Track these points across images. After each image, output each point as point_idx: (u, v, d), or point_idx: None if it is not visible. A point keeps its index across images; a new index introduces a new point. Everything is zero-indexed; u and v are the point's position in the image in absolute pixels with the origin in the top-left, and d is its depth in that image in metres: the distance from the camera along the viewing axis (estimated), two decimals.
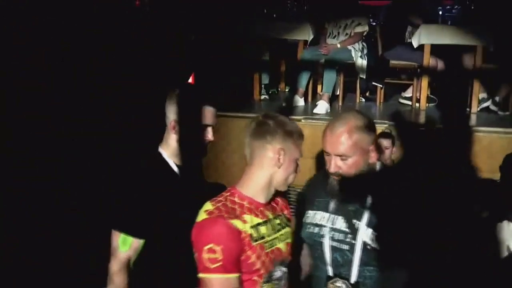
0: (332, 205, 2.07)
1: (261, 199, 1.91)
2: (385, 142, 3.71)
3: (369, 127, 2.02)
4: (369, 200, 2.00)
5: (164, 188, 2.10)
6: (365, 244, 1.95)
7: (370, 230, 1.95)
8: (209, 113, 2.15)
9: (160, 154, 2.18)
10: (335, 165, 1.98)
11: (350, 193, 2.01)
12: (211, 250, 1.73)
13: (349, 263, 1.97)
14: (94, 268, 2.27)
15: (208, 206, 1.84)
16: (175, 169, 2.17)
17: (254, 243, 1.82)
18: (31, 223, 3.28)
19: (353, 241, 1.97)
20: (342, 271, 2.00)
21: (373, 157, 2.03)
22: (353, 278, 1.97)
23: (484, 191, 2.99)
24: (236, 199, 1.86)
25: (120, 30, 4.17)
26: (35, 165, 3.36)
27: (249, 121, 1.90)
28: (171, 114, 2.13)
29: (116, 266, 2.07)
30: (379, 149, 2.07)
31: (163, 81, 4.04)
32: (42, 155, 3.42)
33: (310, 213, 2.13)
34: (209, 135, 2.17)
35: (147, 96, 3.69)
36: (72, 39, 3.75)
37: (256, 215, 1.87)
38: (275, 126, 1.84)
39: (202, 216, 1.81)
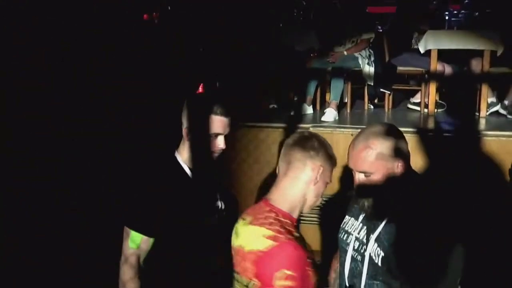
0: (362, 214, 2.04)
1: (295, 215, 1.88)
2: None
3: (398, 145, 1.90)
4: (387, 214, 1.93)
5: (176, 190, 2.16)
6: (370, 258, 1.92)
7: (375, 245, 1.92)
8: (219, 122, 2.18)
9: (175, 158, 2.25)
10: (359, 181, 1.92)
11: (373, 206, 1.94)
12: (289, 277, 1.67)
13: (360, 274, 1.95)
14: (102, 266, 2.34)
15: (263, 231, 1.77)
16: (189, 173, 2.23)
17: (312, 263, 1.80)
18: (36, 223, 3.30)
19: (364, 253, 1.94)
20: (355, 281, 1.98)
21: (400, 169, 1.91)
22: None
23: (495, 195, 2.98)
24: (281, 218, 1.82)
25: (130, 42, 4.20)
26: (39, 165, 3.38)
27: (293, 134, 1.96)
28: (185, 121, 2.21)
29: (127, 275, 2.11)
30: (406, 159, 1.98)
31: (178, 90, 4.08)
32: (49, 155, 3.44)
33: (346, 218, 2.12)
34: (221, 144, 2.20)
35: (167, 103, 3.73)
36: (85, 49, 3.79)
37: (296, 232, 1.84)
38: (319, 145, 1.86)
39: (265, 243, 1.74)
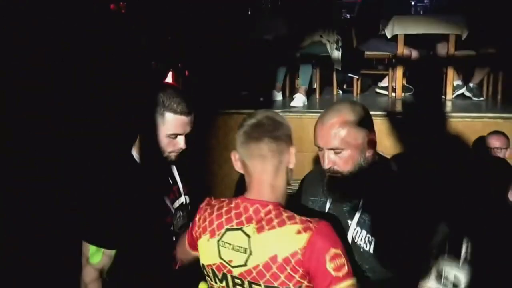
0: (328, 205, 1.94)
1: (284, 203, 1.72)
2: None
3: (365, 117, 1.85)
4: (362, 198, 1.87)
5: (134, 194, 1.97)
6: (355, 244, 1.84)
7: (360, 230, 1.84)
8: (179, 121, 1.98)
9: (132, 157, 2.07)
10: (329, 160, 1.82)
11: (345, 191, 1.86)
12: (336, 256, 1.53)
13: None
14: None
15: (290, 228, 1.56)
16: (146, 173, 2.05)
17: None
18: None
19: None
20: None
21: (370, 151, 1.86)
22: None
23: (461, 173, 3.05)
24: (283, 211, 1.63)
25: (94, 32, 4.15)
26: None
27: (243, 128, 1.65)
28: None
29: (88, 277, 1.98)
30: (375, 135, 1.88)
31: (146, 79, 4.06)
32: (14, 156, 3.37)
33: (310, 202, 2.01)
34: (181, 144, 2.01)
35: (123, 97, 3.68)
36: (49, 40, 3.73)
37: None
38: (275, 128, 1.63)
39: (301, 238, 1.53)
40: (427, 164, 3.81)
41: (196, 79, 5.44)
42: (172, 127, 1.97)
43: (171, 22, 5.31)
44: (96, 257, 1.96)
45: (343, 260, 1.53)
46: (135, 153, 2.08)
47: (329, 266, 1.51)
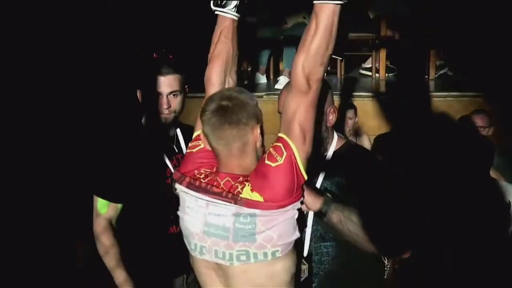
0: None
1: None
2: (349, 113, 3.78)
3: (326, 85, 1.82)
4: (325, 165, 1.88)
5: (139, 153, 2.16)
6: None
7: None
8: (159, 81, 2.19)
9: (140, 124, 2.28)
10: None
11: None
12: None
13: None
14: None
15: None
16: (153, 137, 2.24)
17: None
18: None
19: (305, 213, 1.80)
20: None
21: (331, 120, 1.87)
22: (305, 252, 1.84)
23: (443, 151, 3.09)
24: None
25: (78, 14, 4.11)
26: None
27: (205, 107, 1.62)
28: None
29: (99, 227, 2.15)
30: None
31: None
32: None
33: None
34: (164, 104, 2.20)
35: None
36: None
37: None
38: (240, 109, 1.58)
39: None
40: (410, 144, 3.85)
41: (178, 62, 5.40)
42: (156, 86, 2.18)
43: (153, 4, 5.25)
44: (104, 208, 2.15)
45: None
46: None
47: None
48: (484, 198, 2.44)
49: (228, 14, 1.79)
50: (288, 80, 4.71)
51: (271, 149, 1.55)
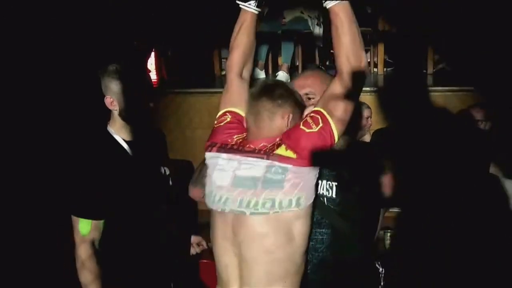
0: None
1: None
2: (367, 112, 3.74)
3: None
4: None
5: (114, 165, 2.08)
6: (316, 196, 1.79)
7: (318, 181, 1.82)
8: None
9: (108, 133, 2.16)
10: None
11: None
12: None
13: None
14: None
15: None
16: (124, 145, 2.14)
17: None
18: None
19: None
20: None
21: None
22: None
23: (441, 146, 3.10)
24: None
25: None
26: None
27: (256, 83, 1.83)
28: (106, 91, 2.10)
29: (84, 253, 2.05)
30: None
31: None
32: None
33: None
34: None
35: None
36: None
37: None
38: (287, 92, 1.76)
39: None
40: (409, 139, 3.86)
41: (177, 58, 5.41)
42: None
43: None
44: (86, 228, 2.05)
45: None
46: (109, 128, 2.17)
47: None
48: (484, 194, 2.45)
49: (250, 8, 1.91)
50: (287, 75, 4.76)
51: (308, 118, 1.70)
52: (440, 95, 4.22)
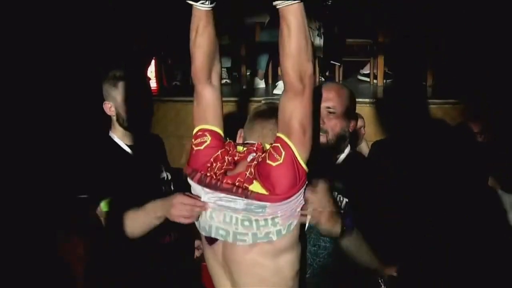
0: None
1: None
2: (360, 121, 3.75)
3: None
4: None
5: (117, 169, 2.13)
6: None
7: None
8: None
9: (110, 138, 2.22)
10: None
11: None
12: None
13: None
14: None
15: None
16: (128, 150, 2.20)
17: None
18: None
19: None
20: None
21: (352, 126, 2.05)
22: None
23: (439, 158, 3.10)
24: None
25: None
26: None
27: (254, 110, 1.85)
28: (107, 97, 2.17)
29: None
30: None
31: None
32: None
33: None
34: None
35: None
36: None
37: None
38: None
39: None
40: (408, 150, 3.86)
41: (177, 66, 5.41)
42: None
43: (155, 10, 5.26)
44: (107, 206, 2.09)
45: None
46: (112, 134, 2.23)
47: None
48: (482, 208, 2.45)
49: (203, 6, 1.72)
50: None
51: (271, 149, 1.62)
52: (439, 108, 4.23)
